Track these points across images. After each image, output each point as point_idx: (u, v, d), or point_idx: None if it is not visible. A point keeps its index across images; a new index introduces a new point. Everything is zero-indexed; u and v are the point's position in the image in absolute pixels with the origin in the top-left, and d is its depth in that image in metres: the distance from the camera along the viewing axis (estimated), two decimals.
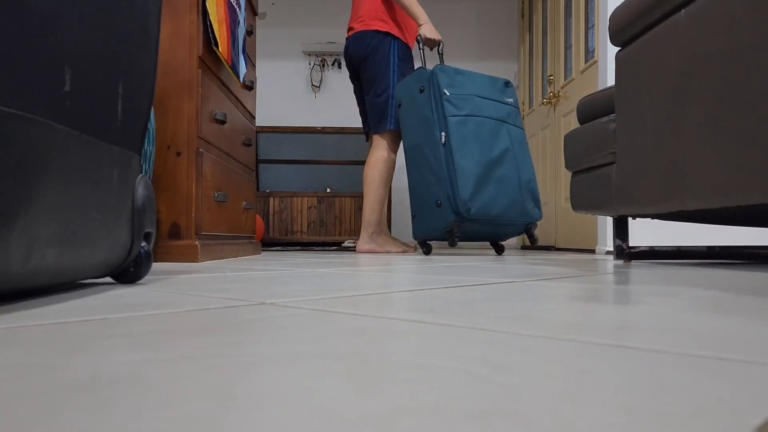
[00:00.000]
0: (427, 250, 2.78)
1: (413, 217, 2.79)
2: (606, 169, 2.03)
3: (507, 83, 2.92)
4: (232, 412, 0.26)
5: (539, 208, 2.79)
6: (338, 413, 0.26)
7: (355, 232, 5.01)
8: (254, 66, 2.67)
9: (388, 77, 3.03)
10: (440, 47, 3.05)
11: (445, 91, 2.71)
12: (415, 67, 3.01)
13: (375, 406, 0.27)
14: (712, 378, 0.33)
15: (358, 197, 5.03)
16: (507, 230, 2.74)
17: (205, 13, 1.88)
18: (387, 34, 3.01)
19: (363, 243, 3.02)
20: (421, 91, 2.78)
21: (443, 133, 2.64)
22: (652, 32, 1.68)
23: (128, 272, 0.98)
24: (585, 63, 3.69)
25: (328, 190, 5.26)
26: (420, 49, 2.97)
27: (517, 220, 2.70)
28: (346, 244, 4.95)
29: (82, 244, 0.76)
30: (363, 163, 5.38)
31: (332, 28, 5.68)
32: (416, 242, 2.86)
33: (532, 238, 2.83)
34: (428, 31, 2.94)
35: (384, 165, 3.05)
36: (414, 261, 1.99)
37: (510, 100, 2.88)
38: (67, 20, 0.71)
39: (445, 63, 5.09)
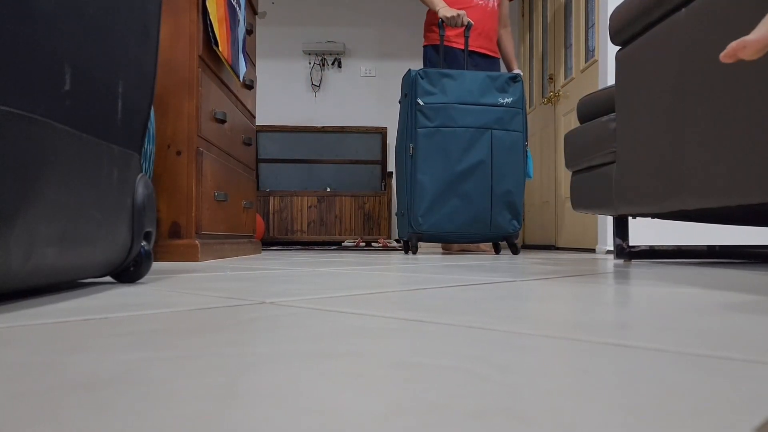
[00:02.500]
0: (405, 249, 2.86)
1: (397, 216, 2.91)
2: (606, 169, 2.03)
3: (514, 78, 2.75)
4: (232, 411, 0.26)
5: (518, 221, 2.72)
6: (338, 412, 0.26)
7: (355, 232, 5.01)
8: (254, 65, 2.67)
9: None
10: (466, 28, 2.87)
11: (419, 101, 2.66)
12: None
13: (375, 405, 0.27)
14: (713, 377, 0.33)
15: (358, 196, 5.03)
16: (473, 240, 2.73)
17: (205, 12, 1.88)
18: (424, 47, 3.09)
19: None
20: (405, 96, 2.76)
21: (412, 145, 2.66)
22: (653, 31, 1.68)
23: (128, 271, 0.98)
24: (585, 62, 3.69)
25: (328, 190, 5.26)
26: (440, 36, 2.89)
27: (481, 234, 2.69)
28: (346, 243, 4.95)
29: (82, 243, 0.76)
30: (363, 162, 5.38)
31: (332, 27, 5.68)
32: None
33: (514, 248, 2.77)
34: (445, 11, 2.86)
35: None
36: (414, 260, 1.99)
37: (506, 100, 2.74)
38: (68, 19, 0.71)
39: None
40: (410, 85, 2.71)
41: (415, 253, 2.69)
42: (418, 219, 2.62)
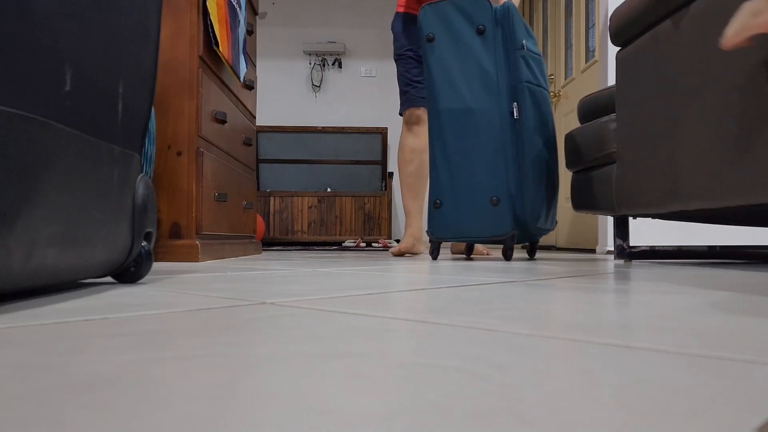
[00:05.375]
0: (437, 253, 2.07)
1: (437, 205, 1.97)
2: (606, 169, 2.03)
3: None
4: (233, 412, 0.26)
5: None
6: (339, 413, 0.26)
7: (356, 232, 5.01)
8: (254, 65, 2.67)
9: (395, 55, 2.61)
10: None
11: (525, 43, 1.93)
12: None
13: (376, 406, 0.27)
14: (713, 378, 0.33)
15: (359, 197, 5.03)
16: (536, 238, 2.12)
17: (205, 13, 1.88)
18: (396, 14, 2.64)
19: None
20: (480, 32, 1.94)
21: (516, 104, 1.89)
22: (653, 32, 1.68)
23: (129, 272, 0.98)
24: (585, 62, 3.69)
25: (329, 190, 5.26)
26: None
27: (548, 228, 2.09)
28: (346, 243, 4.95)
29: (82, 243, 0.76)
30: (363, 162, 5.38)
31: (332, 27, 5.68)
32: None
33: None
34: None
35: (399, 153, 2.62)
36: (413, 261, 1.99)
37: None
38: (68, 20, 0.71)
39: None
40: (492, 16, 1.95)
41: (509, 260, 1.93)
42: (538, 210, 1.90)
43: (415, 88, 2.54)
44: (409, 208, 2.57)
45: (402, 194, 2.60)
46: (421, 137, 2.51)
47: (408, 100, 2.56)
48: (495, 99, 1.91)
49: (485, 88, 1.92)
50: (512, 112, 1.90)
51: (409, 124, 2.56)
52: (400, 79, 2.60)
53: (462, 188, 1.92)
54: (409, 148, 2.54)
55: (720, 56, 1.37)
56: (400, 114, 2.64)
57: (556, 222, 2.17)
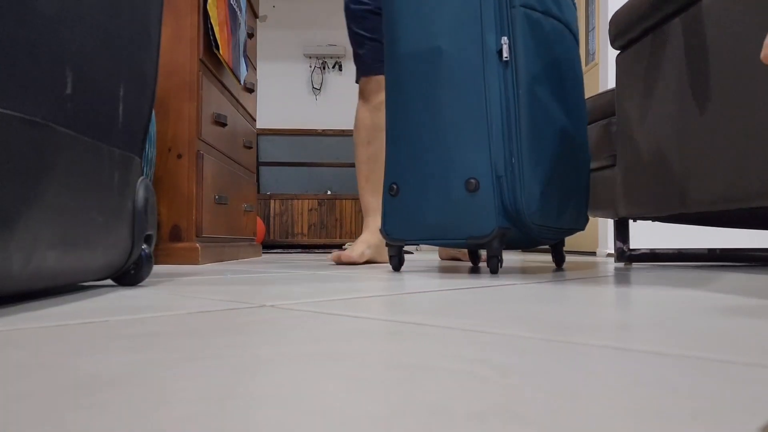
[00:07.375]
0: (399, 262, 1.44)
1: (393, 191, 1.38)
2: (607, 172, 2.03)
3: None
4: (233, 413, 0.26)
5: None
6: (338, 414, 0.26)
7: (356, 234, 5.01)
8: (255, 68, 2.67)
9: None
10: None
11: None
12: None
13: (376, 407, 0.27)
14: (714, 380, 0.33)
15: (359, 199, 5.03)
16: (546, 240, 1.47)
17: (206, 16, 1.89)
18: None
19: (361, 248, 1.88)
20: None
21: (504, 38, 1.29)
22: (653, 35, 1.68)
23: (129, 274, 0.98)
24: (586, 65, 3.69)
25: (329, 193, 5.27)
26: None
27: (569, 227, 1.50)
28: (346, 246, 4.96)
29: (82, 246, 0.76)
30: None
31: (333, 30, 5.69)
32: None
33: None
34: None
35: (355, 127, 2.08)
36: (411, 263, 1.98)
37: None
38: (69, 22, 0.71)
39: None
40: None
41: (495, 273, 1.31)
42: (535, 198, 1.29)
43: (371, 49, 1.99)
44: (367, 205, 1.99)
45: (359, 187, 2.01)
46: (382, 111, 1.97)
47: (363, 65, 2.02)
48: (474, 33, 1.30)
49: (462, 19, 1.31)
50: (500, 52, 1.29)
51: (366, 94, 2.01)
52: (353, 38, 2.04)
53: (428, 167, 1.32)
54: (365, 126, 1.99)
55: (721, 58, 1.37)
56: (356, 81, 2.12)
57: (588, 218, 1.60)
